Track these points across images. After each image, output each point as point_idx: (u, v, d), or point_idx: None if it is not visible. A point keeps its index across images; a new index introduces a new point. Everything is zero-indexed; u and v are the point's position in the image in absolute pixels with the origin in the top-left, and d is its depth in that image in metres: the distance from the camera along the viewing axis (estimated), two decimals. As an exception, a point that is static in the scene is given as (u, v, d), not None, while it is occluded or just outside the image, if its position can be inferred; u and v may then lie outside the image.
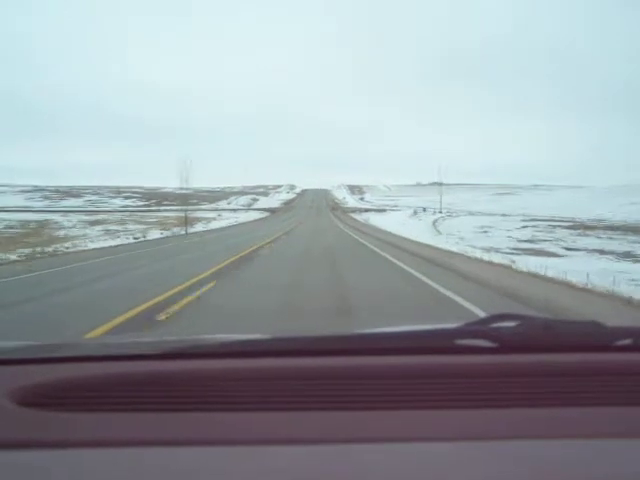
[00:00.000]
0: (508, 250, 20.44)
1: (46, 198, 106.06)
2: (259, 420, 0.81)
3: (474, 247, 18.19)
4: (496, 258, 13.40)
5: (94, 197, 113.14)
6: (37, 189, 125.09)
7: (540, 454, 0.71)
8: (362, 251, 16.98)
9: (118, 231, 32.98)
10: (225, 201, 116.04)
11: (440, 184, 75.10)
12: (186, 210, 35.95)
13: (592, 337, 1.02)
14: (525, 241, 27.10)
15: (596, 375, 0.93)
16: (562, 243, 25.86)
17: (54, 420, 0.81)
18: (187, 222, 31.81)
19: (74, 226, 39.71)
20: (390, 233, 29.24)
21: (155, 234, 29.91)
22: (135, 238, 26.45)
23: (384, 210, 78.20)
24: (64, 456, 0.71)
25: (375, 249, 17.35)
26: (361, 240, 23.25)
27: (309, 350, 1.02)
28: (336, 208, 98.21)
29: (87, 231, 33.96)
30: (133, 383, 0.92)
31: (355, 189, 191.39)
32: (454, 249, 16.80)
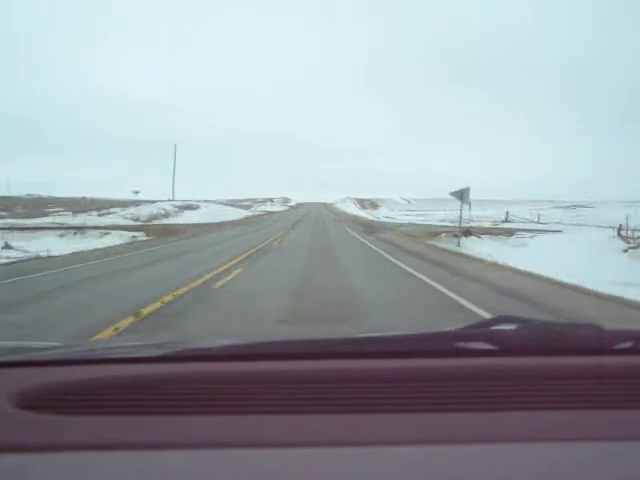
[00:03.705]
0: None
1: None
2: (255, 423, 0.81)
3: None
4: None
5: None
6: None
7: (540, 457, 0.71)
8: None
9: None
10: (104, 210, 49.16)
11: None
12: None
13: (592, 340, 1.01)
14: None
15: (596, 378, 0.93)
16: None
17: (52, 423, 0.80)
18: None
19: None
20: None
21: None
22: None
23: (526, 233, 26.27)
24: (62, 459, 0.71)
25: None
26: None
27: (307, 353, 1.02)
28: (375, 229, 37.01)
29: None
30: (131, 386, 0.92)
31: (365, 202, 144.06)
32: None
